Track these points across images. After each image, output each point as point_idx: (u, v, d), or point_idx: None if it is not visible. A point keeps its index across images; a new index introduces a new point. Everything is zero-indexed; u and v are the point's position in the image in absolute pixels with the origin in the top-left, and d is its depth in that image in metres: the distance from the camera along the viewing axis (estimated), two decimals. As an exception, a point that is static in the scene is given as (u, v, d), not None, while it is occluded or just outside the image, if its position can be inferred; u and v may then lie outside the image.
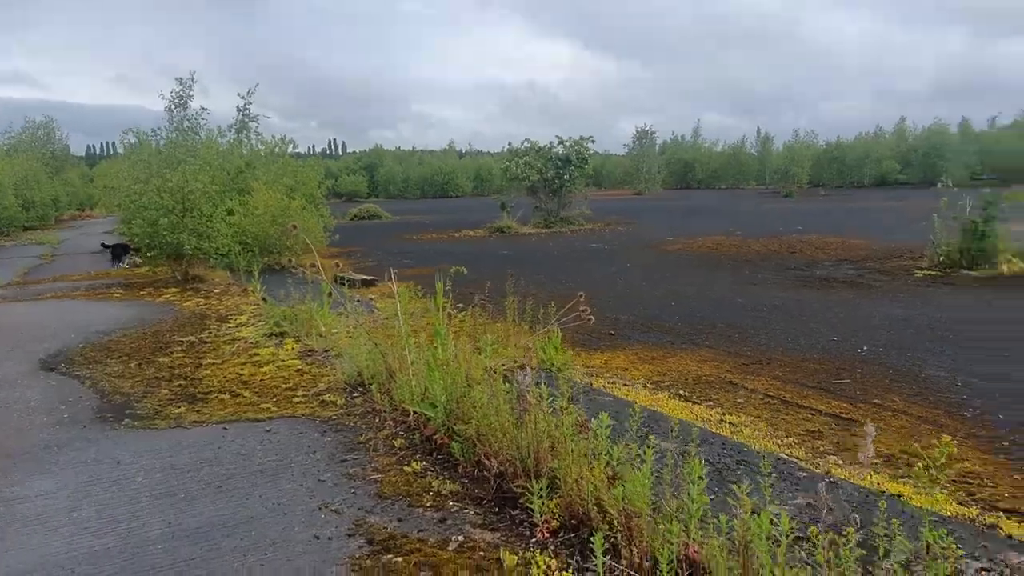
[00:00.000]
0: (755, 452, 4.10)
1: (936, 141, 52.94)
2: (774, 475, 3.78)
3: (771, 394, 5.59)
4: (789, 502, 3.43)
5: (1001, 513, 3.43)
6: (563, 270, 14.07)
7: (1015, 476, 3.90)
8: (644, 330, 8.19)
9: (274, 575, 3.04)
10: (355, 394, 5.68)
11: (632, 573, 2.80)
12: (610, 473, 3.16)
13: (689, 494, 2.76)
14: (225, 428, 4.98)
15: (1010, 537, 3.16)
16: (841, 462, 4.14)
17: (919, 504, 3.48)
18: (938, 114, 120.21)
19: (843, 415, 5.03)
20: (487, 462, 3.86)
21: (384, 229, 24.27)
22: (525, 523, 3.44)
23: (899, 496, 3.58)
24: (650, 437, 3.15)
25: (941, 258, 12.66)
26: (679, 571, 2.71)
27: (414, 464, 4.17)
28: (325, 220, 15.09)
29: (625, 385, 5.89)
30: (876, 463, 4.14)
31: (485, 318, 6.35)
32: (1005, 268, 12.21)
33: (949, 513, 3.37)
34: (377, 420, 5.02)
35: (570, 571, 2.96)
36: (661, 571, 2.69)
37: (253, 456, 4.42)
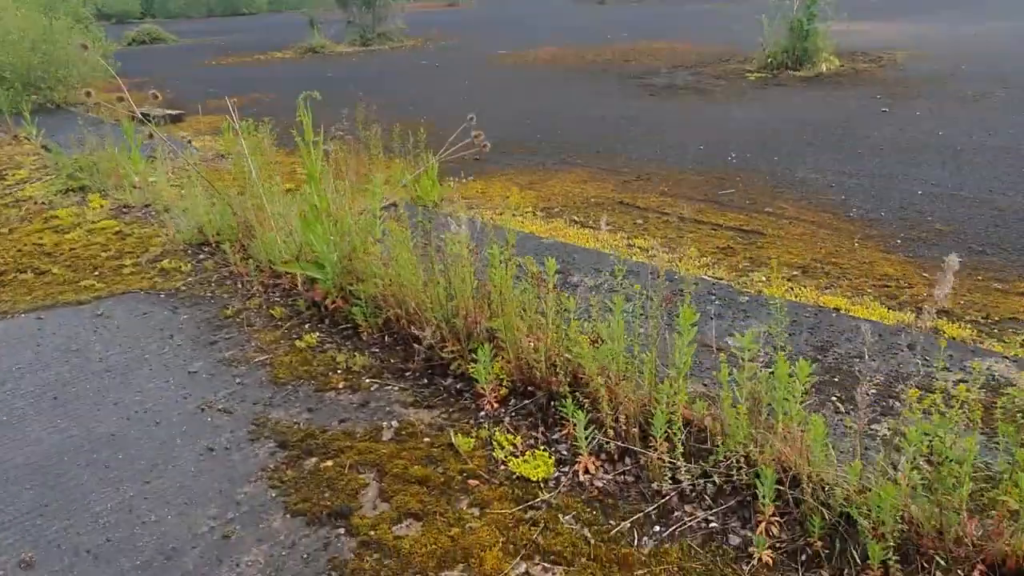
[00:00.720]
0: (685, 279, 3.82)
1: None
2: (717, 302, 3.53)
3: (666, 211, 5.34)
4: (744, 332, 3.19)
5: (929, 314, 3.43)
6: (400, 92, 12.81)
7: (924, 274, 3.94)
8: (509, 152, 7.59)
9: (173, 513, 2.35)
10: (201, 256, 4.70)
11: (620, 444, 2.43)
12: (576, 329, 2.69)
13: (676, 346, 2.36)
14: (40, 318, 3.89)
15: (953, 339, 3.15)
16: (765, 279, 3.98)
17: (860, 314, 3.39)
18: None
19: (744, 227, 4.89)
20: (408, 328, 3.25)
21: (172, 54, 20.78)
22: (465, 394, 2.95)
23: (838, 310, 3.47)
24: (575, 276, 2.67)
25: (769, 59, 12.91)
26: (671, 435, 2.37)
27: (307, 337, 3.46)
28: (101, 45, 12.39)
29: (516, 216, 5.37)
30: (795, 275, 4.03)
31: (350, 152, 5.42)
32: (824, 67, 12.73)
33: (891, 322, 3.31)
34: (241, 287, 4.16)
35: (540, 447, 2.55)
36: (654, 436, 2.34)
37: (90, 351, 3.48)
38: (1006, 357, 2.81)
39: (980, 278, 3.85)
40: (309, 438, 2.68)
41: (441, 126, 7.78)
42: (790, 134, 7.78)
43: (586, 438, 2.37)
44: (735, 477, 2.19)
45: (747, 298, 3.56)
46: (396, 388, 3.03)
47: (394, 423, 2.76)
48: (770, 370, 2.20)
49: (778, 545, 2.02)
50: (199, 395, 3.04)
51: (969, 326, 3.27)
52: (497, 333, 2.93)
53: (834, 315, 3.30)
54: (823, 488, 2.03)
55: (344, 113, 5.45)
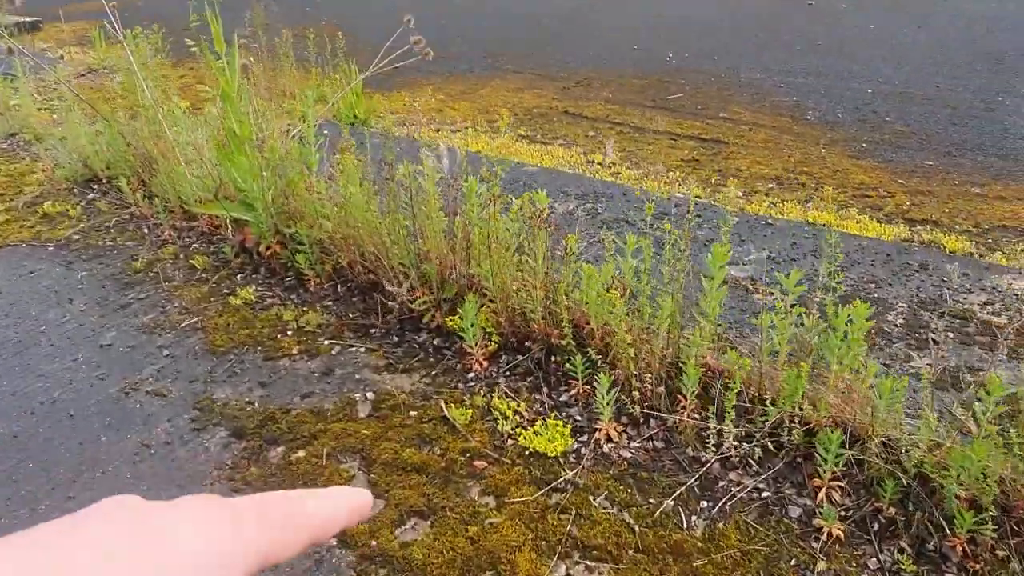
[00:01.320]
0: (661, 199, 3.48)
1: None
2: (706, 225, 3.22)
3: (617, 121, 4.94)
4: (745, 259, 2.92)
5: (920, 227, 3.26)
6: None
7: (900, 181, 3.77)
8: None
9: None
10: (91, 196, 3.97)
11: (645, 406, 2.12)
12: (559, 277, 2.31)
13: (706, 289, 2.03)
14: None
15: (953, 253, 2.99)
16: (741, 194, 3.71)
17: (853, 230, 3.18)
18: None
19: (704, 136, 4.58)
20: (367, 276, 2.79)
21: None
22: (445, 352, 2.55)
23: (828, 226, 3.24)
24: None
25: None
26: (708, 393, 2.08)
27: (242, 292, 2.94)
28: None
29: (455, 131, 4.84)
30: (771, 187, 3.78)
31: (257, 63, 4.65)
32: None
33: (890, 239, 3.11)
34: (148, 232, 3.52)
35: (550, 414, 2.21)
36: (683, 394, 2.05)
37: (-33, 327, 2.83)
38: (1022, 272, 2.66)
39: (956, 183, 3.71)
40: (269, 422, 2.24)
41: (353, 30, 6.96)
42: (724, 32, 7.44)
43: (608, 402, 2.05)
44: (785, 438, 1.94)
45: (736, 218, 3.27)
46: (363, 349, 2.59)
47: (369, 394, 2.35)
48: (799, 311, 1.92)
49: (844, 514, 1.80)
50: (119, 375, 2.51)
51: (964, 237, 3.11)
52: (480, 279, 2.52)
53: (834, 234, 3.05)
54: (893, 447, 1.80)
55: (246, 17, 4.68)
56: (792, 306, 1.95)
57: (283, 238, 3.06)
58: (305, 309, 2.82)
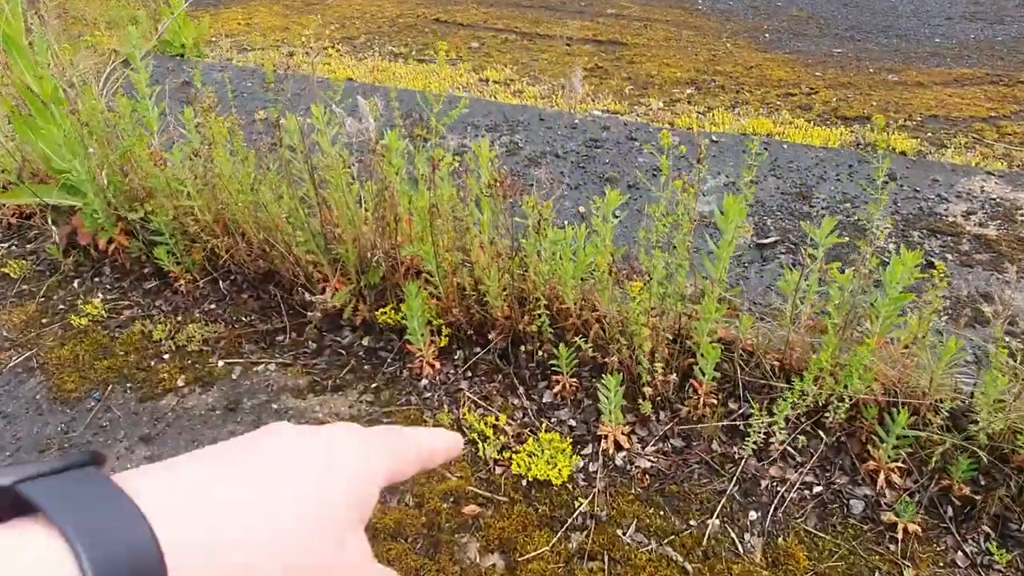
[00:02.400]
0: (585, 121, 3.03)
1: None
2: (644, 149, 2.80)
3: (498, 27, 4.35)
4: (704, 189, 2.55)
5: (856, 124, 3.04)
6: None
7: (816, 74, 3.53)
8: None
9: None
10: None
11: (656, 395, 1.75)
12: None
13: (718, 250, 1.65)
14: None
15: (904, 154, 2.79)
16: (662, 104, 3.32)
17: (795, 138, 2.90)
18: None
19: (599, 38, 4.11)
20: (256, 265, 2.17)
21: None
22: (380, 355, 2.04)
23: (771, 135, 2.94)
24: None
25: None
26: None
27: (87, 306, 2.23)
28: None
29: (310, 53, 4.06)
30: (690, 94, 3.42)
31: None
32: None
33: (836, 144, 2.86)
34: (-70, 233, 2.63)
35: (540, 425, 1.79)
36: (698, 378, 1.70)
37: None
38: (990, 173, 2.49)
39: (872, 71, 3.52)
40: (170, 496, 1.66)
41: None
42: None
43: (614, 403, 1.65)
44: (829, 417, 1.64)
45: (676, 138, 2.87)
46: (273, 366, 2.02)
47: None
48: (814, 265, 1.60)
49: (909, 500, 1.55)
50: (-70, 456, 1.80)
51: (905, 134, 2.92)
52: (413, 260, 2.00)
53: (785, 146, 2.75)
54: (956, 415, 1.55)
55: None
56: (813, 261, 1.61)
57: (128, 225, 2.33)
58: (180, 319, 2.18)
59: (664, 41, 4.01)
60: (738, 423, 1.72)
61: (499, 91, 3.47)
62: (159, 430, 1.84)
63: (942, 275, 1.49)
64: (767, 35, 4.04)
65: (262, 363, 2.03)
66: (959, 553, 1.46)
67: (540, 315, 1.82)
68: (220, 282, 2.29)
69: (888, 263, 1.53)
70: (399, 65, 3.86)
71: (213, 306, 2.24)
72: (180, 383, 1.97)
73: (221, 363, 2.03)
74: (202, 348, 2.08)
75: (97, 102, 2.22)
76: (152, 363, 2.04)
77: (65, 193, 2.29)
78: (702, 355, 1.72)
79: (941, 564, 1.45)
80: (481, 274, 1.88)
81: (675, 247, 1.61)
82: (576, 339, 1.87)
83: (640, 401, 1.72)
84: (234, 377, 1.99)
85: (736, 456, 1.66)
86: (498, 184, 1.62)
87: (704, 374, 1.69)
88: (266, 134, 2.06)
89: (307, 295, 1.98)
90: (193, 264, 2.29)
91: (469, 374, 1.94)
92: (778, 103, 3.25)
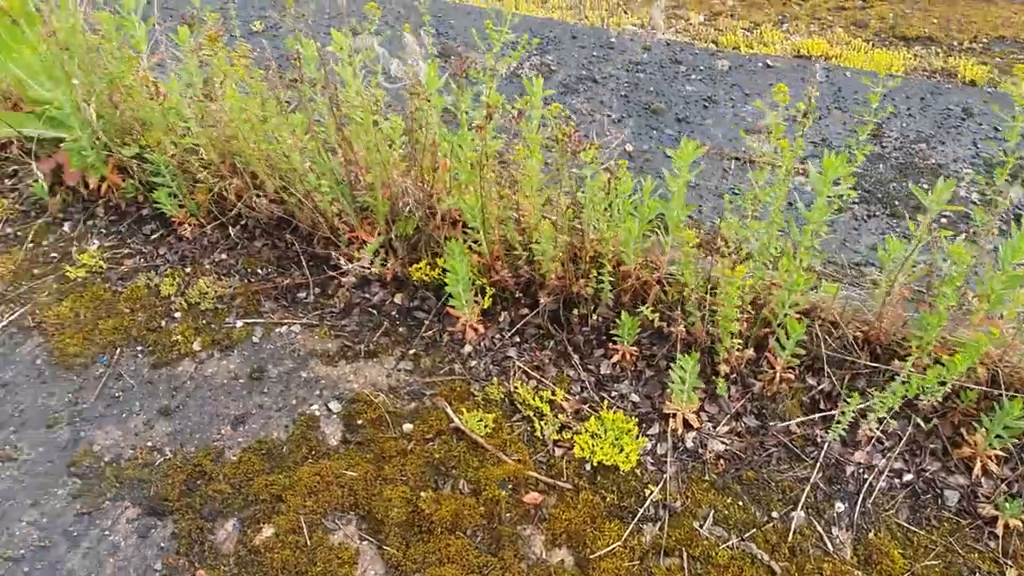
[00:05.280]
0: (621, 39, 2.73)
1: None
2: (691, 74, 2.53)
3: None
4: (761, 123, 2.30)
5: (918, 46, 2.78)
6: None
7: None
8: None
9: None
10: None
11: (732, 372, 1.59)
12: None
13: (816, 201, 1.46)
14: None
15: (974, 84, 2.55)
16: (702, 18, 3.02)
17: (861, 64, 2.64)
18: None
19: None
20: (270, 210, 1.95)
21: None
22: (418, 316, 1.85)
23: (827, 58, 2.68)
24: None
25: None
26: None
27: (82, 256, 2.00)
28: None
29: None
30: (732, 5, 3.11)
31: None
32: None
33: (900, 69, 2.60)
34: None
35: (601, 401, 1.64)
36: (776, 351, 1.55)
37: None
38: None
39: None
40: (198, 480, 1.51)
41: None
42: None
43: (687, 381, 1.50)
44: (923, 400, 1.50)
45: (725, 61, 2.59)
46: (298, 326, 1.83)
47: (332, 404, 1.66)
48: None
49: (1007, 490, 1.44)
50: (-76, 432, 1.62)
51: (971, 59, 2.67)
52: (453, 211, 1.78)
53: (848, 74, 2.48)
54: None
55: None
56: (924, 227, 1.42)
57: (121, 162, 2.07)
58: (190, 271, 1.97)
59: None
60: (818, 399, 1.58)
61: (521, 2, 3.13)
62: (179, 401, 1.67)
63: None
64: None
65: (284, 323, 1.84)
66: (1063, 550, 1.36)
67: (602, 278, 1.64)
68: (229, 228, 2.06)
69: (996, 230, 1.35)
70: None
71: (224, 256, 2.02)
72: (196, 347, 1.79)
73: (240, 323, 1.84)
74: (217, 306, 1.88)
75: (75, 19, 1.91)
76: (163, 323, 1.85)
77: (47, 125, 2.02)
78: (779, 326, 1.56)
79: (1045, 563, 1.35)
80: (532, 231, 1.68)
81: (772, 219, 1.41)
82: (635, 303, 1.70)
83: (714, 378, 1.57)
84: (255, 340, 1.81)
85: (818, 439, 1.53)
86: (567, 139, 1.39)
87: (784, 348, 1.54)
88: (275, 59, 1.78)
89: (335, 255, 1.77)
90: (198, 208, 2.05)
91: (516, 339, 1.77)
92: (830, 19, 2.96)
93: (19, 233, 2.11)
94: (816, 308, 1.60)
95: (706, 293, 1.53)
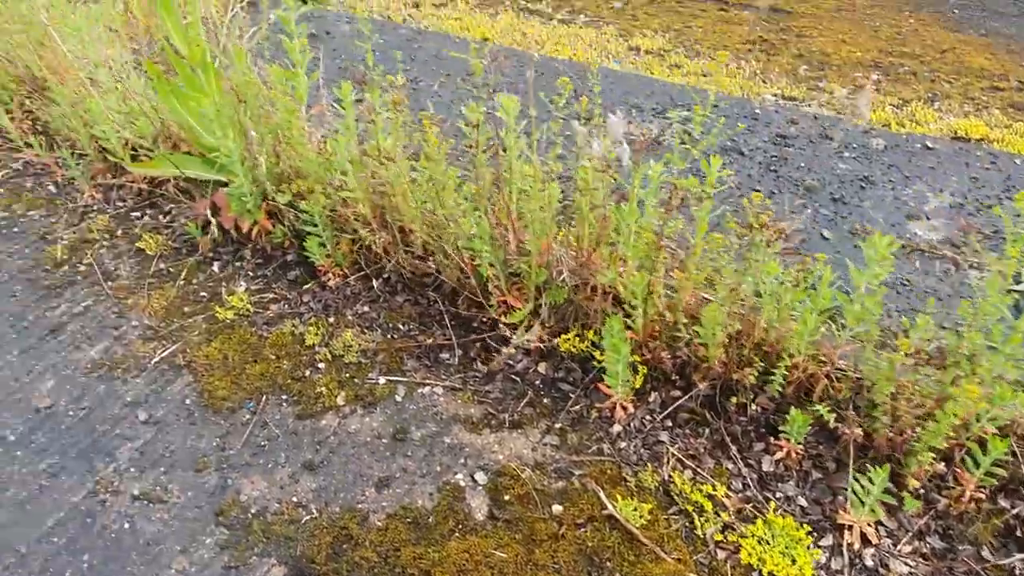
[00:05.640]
0: (762, 108, 2.67)
1: None
2: (845, 153, 2.44)
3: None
4: (924, 209, 2.19)
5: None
6: None
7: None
8: None
9: None
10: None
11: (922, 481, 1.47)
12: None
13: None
14: None
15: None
16: (846, 92, 2.93)
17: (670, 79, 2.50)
18: None
19: (758, 3, 3.67)
20: (418, 266, 1.95)
21: None
22: (563, 388, 1.80)
23: (988, 140, 2.55)
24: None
25: None
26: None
27: (234, 292, 2.04)
28: None
29: (437, 4, 3.74)
30: (877, 79, 3.01)
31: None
32: None
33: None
34: (59, 192, 2.47)
35: (766, 503, 1.53)
36: (967, 470, 1.41)
37: None
38: None
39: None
40: (344, 544, 1.48)
41: None
42: None
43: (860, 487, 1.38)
44: None
45: (880, 140, 2.49)
46: (440, 388, 1.80)
47: (478, 475, 1.61)
48: None
49: None
50: (79, 468, 1.65)
51: None
52: (609, 286, 1.73)
53: (1018, 161, 2.35)
54: None
55: None
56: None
57: (271, 207, 2.12)
58: (333, 321, 1.97)
59: (835, 11, 3.56)
60: (1014, 525, 1.43)
61: (654, 64, 3.12)
62: (323, 456, 1.65)
63: None
64: (955, 10, 3.55)
65: (427, 384, 1.81)
66: None
67: (776, 371, 1.55)
68: (372, 280, 2.07)
69: None
70: (534, 22, 3.52)
71: (366, 308, 2.02)
72: (340, 401, 1.78)
73: (383, 380, 1.82)
74: (360, 360, 1.87)
75: (250, 72, 1.98)
76: (307, 373, 1.85)
77: (208, 167, 2.08)
78: (970, 440, 1.44)
79: None
80: (695, 313, 1.61)
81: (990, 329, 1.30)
82: (798, 395, 1.60)
83: (898, 491, 1.44)
84: (398, 399, 1.78)
85: (1016, 571, 1.39)
86: (763, 228, 1.33)
87: (978, 465, 1.41)
88: (475, 147, 1.79)
89: (481, 316, 1.74)
90: (343, 258, 2.07)
91: (668, 423, 1.69)
92: (984, 99, 2.83)
93: (171, 270, 2.17)
94: (1015, 423, 1.46)
95: (894, 399, 1.42)
